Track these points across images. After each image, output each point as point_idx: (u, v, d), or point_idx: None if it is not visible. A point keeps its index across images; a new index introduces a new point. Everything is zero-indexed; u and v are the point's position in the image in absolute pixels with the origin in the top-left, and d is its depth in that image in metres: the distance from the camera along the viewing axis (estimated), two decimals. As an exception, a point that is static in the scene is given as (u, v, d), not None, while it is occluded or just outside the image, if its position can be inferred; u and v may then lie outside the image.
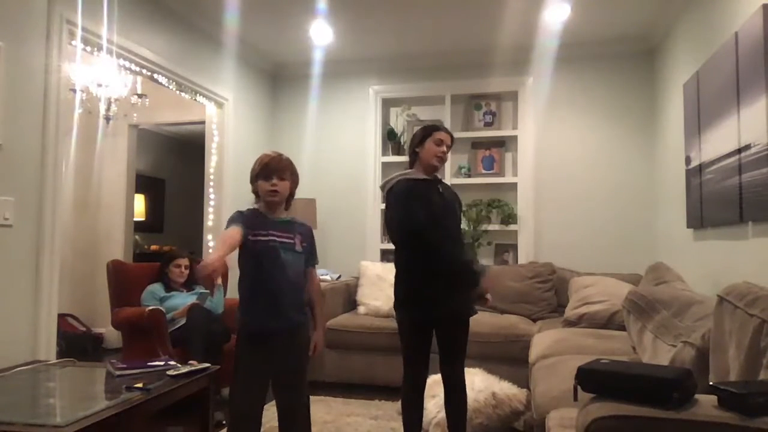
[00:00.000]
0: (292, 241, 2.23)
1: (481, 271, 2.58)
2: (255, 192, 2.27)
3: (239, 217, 2.19)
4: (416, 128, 2.84)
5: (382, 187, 2.57)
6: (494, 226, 4.72)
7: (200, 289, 3.61)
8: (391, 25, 4.27)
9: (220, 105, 4.51)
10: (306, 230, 2.32)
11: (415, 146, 2.58)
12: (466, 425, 2.52)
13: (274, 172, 2.20)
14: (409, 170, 2.58)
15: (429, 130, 2.56)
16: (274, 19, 4.19)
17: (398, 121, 5.08)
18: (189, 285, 3.67)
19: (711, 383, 1.35)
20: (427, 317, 2.43)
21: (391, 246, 4.94)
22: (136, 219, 6.11)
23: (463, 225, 2.94)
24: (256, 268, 2.16)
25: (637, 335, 2.38)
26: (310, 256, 2.32)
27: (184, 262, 3.67)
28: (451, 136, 2.59)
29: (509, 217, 4.72)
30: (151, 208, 7.40)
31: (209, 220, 4.51)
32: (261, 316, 2.17)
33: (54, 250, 2.89)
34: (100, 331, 5.29)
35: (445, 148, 2.53)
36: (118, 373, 2.34)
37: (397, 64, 4.98)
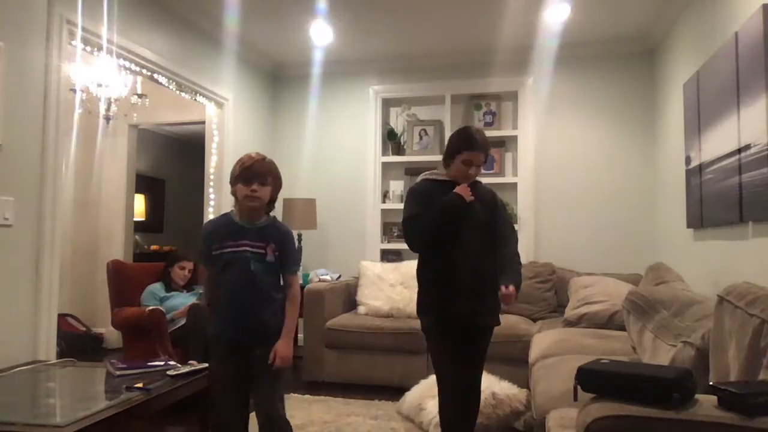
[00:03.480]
0: (263, 250, 2.14)
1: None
2: (234, 194, 2.18)
3: (204, 246, 2.16)
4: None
5: None
6: (494, 226, 4.72)
7: (200, 290, 3.61)
8: (391, 25, 4.27)
9: (220, 105, 4.51)
10: (281, 235, 2.21)
11: (446, 158, 2.43)
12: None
13: (255, 177, 2.11)
14: (436, 170, 2.47)
15: (459, 146, 2.37)
16: (274, 19, 4.19)
17: (398, 121, 5.08)
18: (189, 286, 3.67)
19: (711, 383, 1.35)
20: (451, 321, 2.33)
21: (391, 246, 4.97)
22: (136, 219, 6.10)
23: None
24: (226, 279, 2.11)
25: (637, 335, 2.38)
26: (286, 263, 2.21)
27: (189, 265, 3.67)
28: (485, 152, 2.38)
29: (509, 217, 4.71)
30: (151, 208, 7.40)
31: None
32: (232, 329, 2.11)
33: (54, 250, 2.89)
34: (100, 331, 5.28)
35: (473, 170, 2.37)
36: (118, 373, 2.34)
37: (397, 64, 4.98)
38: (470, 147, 2.35)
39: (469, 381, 2.42)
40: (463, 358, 2.38)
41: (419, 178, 2.49)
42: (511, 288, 2.25)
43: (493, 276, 2.32)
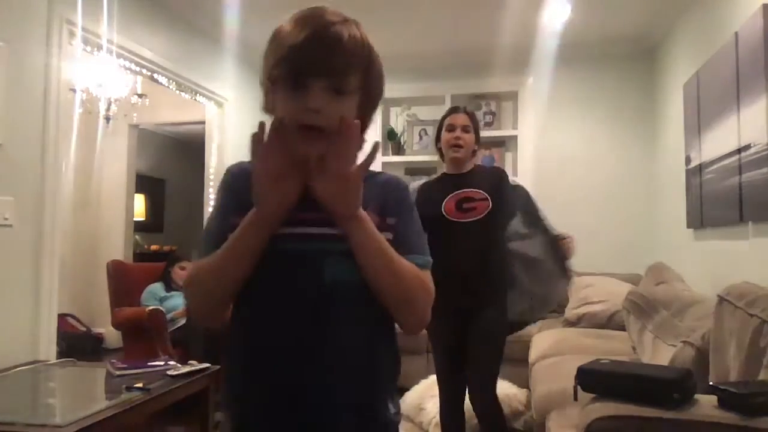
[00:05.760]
0: None
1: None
2: (270, 112, 0.98)
3: (219, 218, 0.98)
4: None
5: None
6: (494, 226, 4.72)
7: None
8: (390, 24, 4.27)
9: (220, 105, 4.51)
10: (393, 192, 1.02)
11: (437, 142, 2.37)
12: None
13: (320, 75, 0.90)
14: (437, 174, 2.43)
15: (442, 119, 2.34)
16: (275, 19, 4.18)
17: (398, 121, 5.08)
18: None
19: (711, 383, 1.35)
20: (450, 333, 2.24)
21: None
22: (136, 219, 6.11)
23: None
24: (268, 307, 0.94)
25: (637, 335, 2.38)
26: (409, 250, 0.98)
27: (189, 265, 3.67)
28: (469, 115, 2.32)
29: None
30: (151, 208, 7.41)
31: (209, 220, 4.51)
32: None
33: (54, 250, 2.89)
34: (100, 331, 5.29)
35: (458, 132, 2.26)
36: (118, 373, 2.34)
37: (397, 64, 4.94)
38: (450, 112, 2.35)
39: (481, 406, 2.17)
40: (471, 374, 2.21)
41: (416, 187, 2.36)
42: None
43: (487, 268, 2.24)
